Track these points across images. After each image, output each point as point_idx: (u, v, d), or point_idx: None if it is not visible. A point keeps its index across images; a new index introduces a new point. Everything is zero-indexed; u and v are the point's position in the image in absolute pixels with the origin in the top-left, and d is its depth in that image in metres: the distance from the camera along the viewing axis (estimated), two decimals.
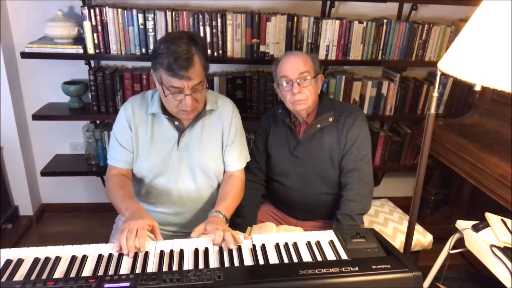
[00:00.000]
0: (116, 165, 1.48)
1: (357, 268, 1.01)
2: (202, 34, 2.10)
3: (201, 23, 2.09)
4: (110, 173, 1.48)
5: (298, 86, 1.54)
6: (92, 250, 1.12)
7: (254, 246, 1.15)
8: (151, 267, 1.06)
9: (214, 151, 1.51)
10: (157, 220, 1.55)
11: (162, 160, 1.47)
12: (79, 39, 2.13)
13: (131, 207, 1.29)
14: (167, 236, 1.56)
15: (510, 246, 1.40)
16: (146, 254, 1.11)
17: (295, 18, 2.14)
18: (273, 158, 1.75)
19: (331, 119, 1.62)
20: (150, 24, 2.06)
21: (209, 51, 2.14)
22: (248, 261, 1.09)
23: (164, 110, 1.43)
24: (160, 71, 1.30)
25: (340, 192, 1.66)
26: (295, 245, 1.16)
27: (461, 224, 1.58)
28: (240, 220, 1.66)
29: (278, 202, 1.83)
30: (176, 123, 1.46)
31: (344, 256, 1.11)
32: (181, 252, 1.11)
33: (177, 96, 1.32)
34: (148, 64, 2.13)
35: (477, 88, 1.08)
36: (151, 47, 2.09)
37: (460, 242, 1.58)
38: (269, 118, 1.78)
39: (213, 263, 1.08)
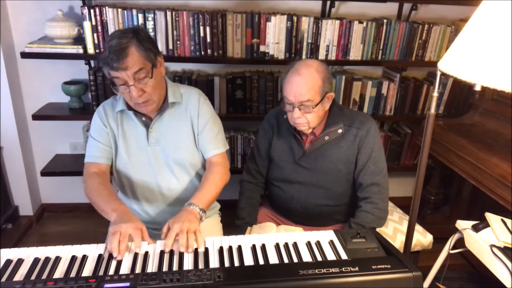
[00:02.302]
0: (95, 161, 1.46)
1: (357, 268, 1.00)
2: (202, 34, 2.10)
3: (201, 23, 2.09)
4: (89, 171, 1.44)
5: (299, 111, 1.45)
6: (92, 250, 1.12)
7: (254, 246, 1.15)
8: (151, 267, 1.06)
9: (187, 142, 1.49)
10: (143, 220, 1.55)
11: (137, 157, 1.47)
12: (79, 39, 2.14)
13: (118, 208, 1.27)
14: (156, 235, 1.54)
15: (510, 246, 1.40)
16: (146, 254, 1.11)
17: (295, 18, 2.14)
18: (275, 163, 1.67)
19: (340, 131, 1.55)
20: (150, 24, 2.06)
21: (209, 51, 2.14)
22: (248, 261, 1.09)
23: (130, 106, 1.44)
24: (103, 67, 1.32)
25: (343, 203, 1.63)
26: (295, 245, 1.16)
27: (461, 224, 1.58)
28: (240, 221, 1.66)
29: (277, 207, 1.77)
30: (144, 118, 1.46)
31: (344, 256, 1.11)
32: (181, 252, 1.11)
33: (125, 89, 1.33)
34: None
35: (477, 88, 1.08)
36: None
37: (460, 242, 1.58)
38: (273, 120, 1.68)
39: (213, 263, 1.08)
